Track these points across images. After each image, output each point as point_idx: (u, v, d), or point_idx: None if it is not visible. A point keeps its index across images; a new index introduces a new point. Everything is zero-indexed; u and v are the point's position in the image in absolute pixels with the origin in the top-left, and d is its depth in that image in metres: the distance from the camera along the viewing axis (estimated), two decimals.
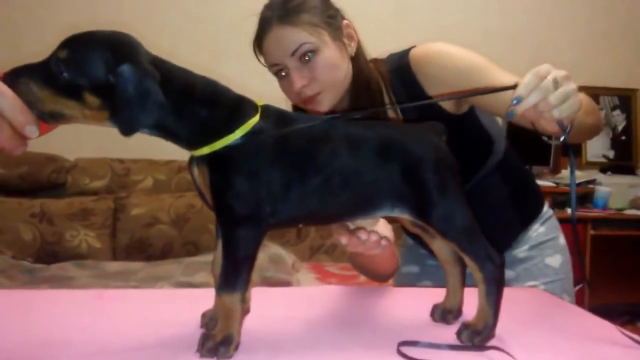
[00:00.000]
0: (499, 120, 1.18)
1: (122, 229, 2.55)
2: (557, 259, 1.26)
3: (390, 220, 1.03)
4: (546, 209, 1.30)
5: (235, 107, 0.72)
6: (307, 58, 1.05)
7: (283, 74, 1.08)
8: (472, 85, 1.02)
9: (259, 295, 0.87)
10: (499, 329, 0.77)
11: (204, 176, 0.71)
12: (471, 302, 0.82)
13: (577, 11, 3.45)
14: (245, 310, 0.81)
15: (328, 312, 0.93)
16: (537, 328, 0.85)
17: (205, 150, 0.70)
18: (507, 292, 0.79)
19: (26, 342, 0.73)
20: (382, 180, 0.76)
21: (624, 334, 0.81)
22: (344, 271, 2.40)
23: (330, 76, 1.07)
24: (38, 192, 2.63)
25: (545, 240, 1.26)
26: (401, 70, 1.12)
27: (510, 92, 0.79)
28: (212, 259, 0.82)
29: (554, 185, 3.06)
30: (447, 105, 1.10)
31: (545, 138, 0.86)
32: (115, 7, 2.92)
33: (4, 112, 0.62)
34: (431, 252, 1.28)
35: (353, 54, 1.11)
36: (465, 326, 0.78)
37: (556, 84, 0.76)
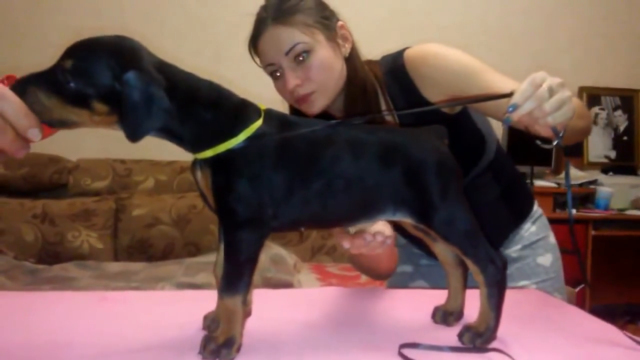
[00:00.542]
0: (491, 120, 1.19)
1: (124, 229, 2.56)
2: (548, 258, 1.27)
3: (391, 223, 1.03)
4: (536, 208, 1.31)
5: (239, 110, 0.73)
6: (301, 58, 1.05)
7: (278, 74, 1.09)
8: (468, 87, 1.03)
9: (260, 297, 0.88)
10: (500, 331, 0.78)
11: (207, 179, 0.71)
12: (472, 304, 0.82)
13: (578, 12, 3.45)
14: (247, 313, 0.81)
15: (329, 314, 0.93)
16: (537, 329, 0.85)
17: (209, 153, 0.70)
18: (506, 293, 0.79)
19: (29, 345, 0.74)
20: (384, 184, 0.77)
21: (625, 334, 0.81)
22: (344, 272, 2.41)
23: (324, 76, 1.07)
24: (40, 192, 2.63)
25: (536, 240, 1.27)
26: (396, 71, 1.12)
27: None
28: (213, 259, 0.82)
29: (555, 185, 3.06)
30: None
31: (539, 142, 0.88)
32: (117, 10, 2.92)
33: (7, 115, 0.62)
34: (425, 251, 1.30)
35: (347, 55, 1.12)
36: (467, 328, 0.78)
37: (551, 91, 0.78)
